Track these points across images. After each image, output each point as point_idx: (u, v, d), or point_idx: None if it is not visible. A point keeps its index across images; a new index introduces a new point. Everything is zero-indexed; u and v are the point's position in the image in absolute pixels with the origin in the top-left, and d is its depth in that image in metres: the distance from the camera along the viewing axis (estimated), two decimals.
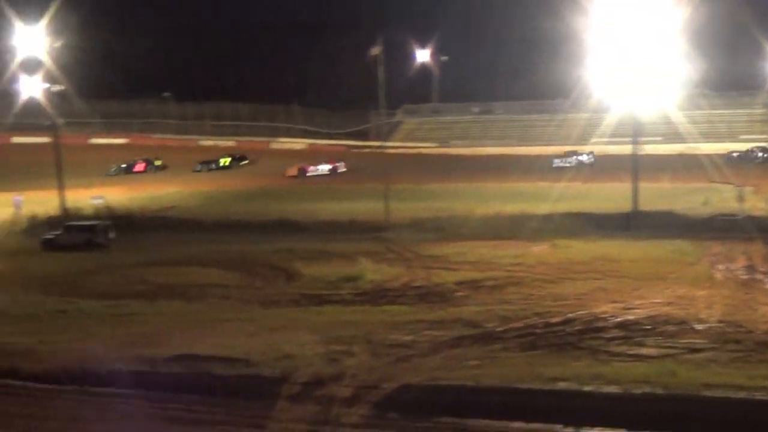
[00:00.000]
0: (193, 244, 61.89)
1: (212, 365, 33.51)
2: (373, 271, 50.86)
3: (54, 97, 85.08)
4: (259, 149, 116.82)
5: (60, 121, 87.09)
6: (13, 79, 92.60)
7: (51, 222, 69.31)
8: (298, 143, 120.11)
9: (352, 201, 74.79)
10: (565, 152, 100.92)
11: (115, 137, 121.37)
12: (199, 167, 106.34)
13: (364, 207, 69.31)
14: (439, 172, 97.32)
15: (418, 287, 47.05)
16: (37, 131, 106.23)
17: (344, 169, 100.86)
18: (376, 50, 69.17)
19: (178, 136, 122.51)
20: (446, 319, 39.10)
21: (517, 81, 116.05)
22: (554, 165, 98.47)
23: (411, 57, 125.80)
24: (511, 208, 66.47)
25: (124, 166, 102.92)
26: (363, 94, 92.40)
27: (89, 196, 77.65)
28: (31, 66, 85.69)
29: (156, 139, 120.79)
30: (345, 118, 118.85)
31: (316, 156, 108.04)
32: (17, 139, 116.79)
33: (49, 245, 63.02)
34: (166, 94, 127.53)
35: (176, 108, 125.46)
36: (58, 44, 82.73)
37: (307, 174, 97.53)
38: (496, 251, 55.11)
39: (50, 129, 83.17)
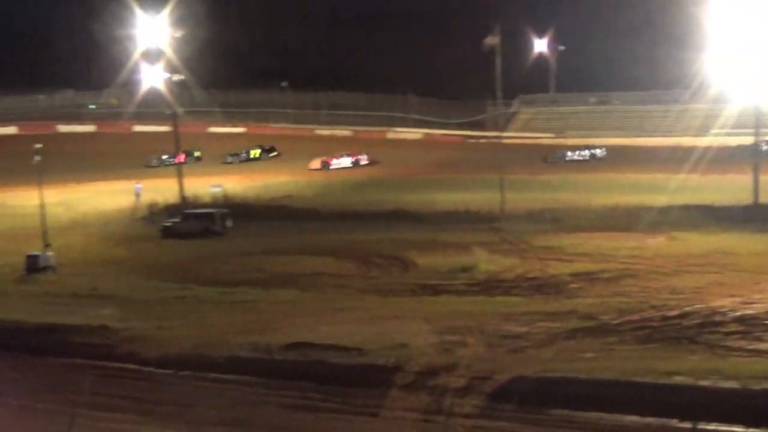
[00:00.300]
0: (308, 233, 62.22)
1: (327, 353, 33.65)
2: (487, 262, 50.58)
3: (174, 86, 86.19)
4: (375, 139, 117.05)
5: (180, 110, 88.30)
6: (135, 69, 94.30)
7: (170, 210, 70.34)
8: (414, 133, 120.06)
9: (467, 191, 74.40)
10: (578, 145, 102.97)
11: (233, 126, 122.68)
12: (230, 159, 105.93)
13: (480, 197, 68.93)
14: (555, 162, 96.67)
15: (533, 278, 46.67)
16: (157, 120, 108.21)
17: (366, 162, 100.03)
18: (493, 40, 68.66)
19: (294, 126, 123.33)
20: (561, 311, 38.71)
21: (635, 71, 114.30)
22: (567, 158, 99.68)
23: (528, 47, 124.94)
24: (628, 199, 65.47)
25: (165, 156, 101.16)
26: (479, 84, 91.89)
27: (208, 185, 78.69)
28: (152, 56, 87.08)
29: (273, 128, 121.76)
30: (461, 109, 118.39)
31: (432, 146, 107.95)
32: (138, 128, 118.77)
33: (168, 232, 63.97)
34: (283, 83, 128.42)
35: (293, 97, 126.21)
36: (178, 34, 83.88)
37: (330, 167, 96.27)
38: (612, 243, 54.37)
39: (170, 118, 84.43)
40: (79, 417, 19.22)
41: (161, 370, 35.13)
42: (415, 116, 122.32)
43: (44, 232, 56.71)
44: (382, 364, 32.10)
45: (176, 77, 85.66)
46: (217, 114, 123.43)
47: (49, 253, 54.07)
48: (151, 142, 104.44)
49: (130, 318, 41.87)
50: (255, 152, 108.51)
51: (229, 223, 64.58)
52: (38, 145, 61.22)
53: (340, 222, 65.95)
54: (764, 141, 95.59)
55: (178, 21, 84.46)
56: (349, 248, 56.95)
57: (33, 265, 52.82)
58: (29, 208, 66.45)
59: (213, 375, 34.07)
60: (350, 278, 49.60)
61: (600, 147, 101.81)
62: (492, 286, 45.45)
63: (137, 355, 36.75)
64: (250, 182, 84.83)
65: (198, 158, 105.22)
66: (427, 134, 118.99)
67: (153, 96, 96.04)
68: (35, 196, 59.90)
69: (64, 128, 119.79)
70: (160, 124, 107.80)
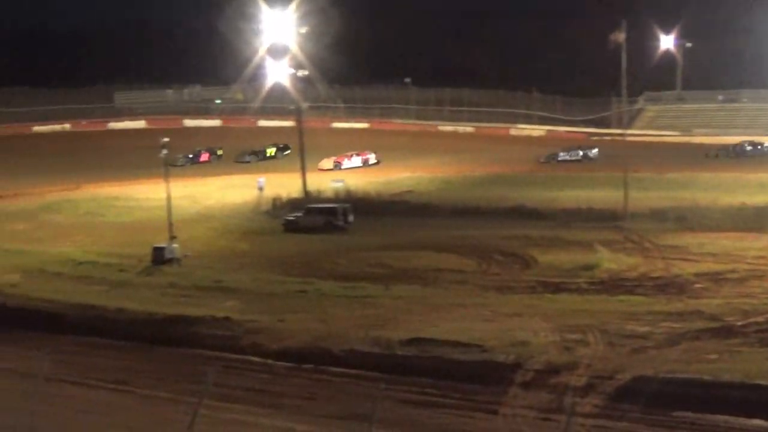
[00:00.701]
0: (429, 229, 62.16)
1: (446, 349, 33.69)
2: (610, 260, 50.01)
3: (299, 82, 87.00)
4: (498, 135, 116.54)
5: (304, 105, 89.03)
6: (261, 65, 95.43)
7: (293, 204, 70.92)
8: (537, 130, 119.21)
9: (590, 189, 73.64)
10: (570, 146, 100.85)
11: (356, 122, 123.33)
12: (248, 158, 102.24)
13: (603, 195, 68.18)
14: (681, 161, 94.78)
15: (656, 278, 46.01)
16: (281, 115, 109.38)
17: (375, 161, 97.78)
18: (619, 36, 67.69)
19: (417, 122, 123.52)
20: (684, 312, 38.14)
21: (765, 68, 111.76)
22: (559, 158, 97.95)
23: (654, 43, 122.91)
24: (757, 199, 64.10)
25: (191, 156, 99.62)
26: (604, 81, 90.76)
27: (330, 179, 79.20)
28: (278, 52, 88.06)
29: (395, 123, 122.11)
30: (585, 105, 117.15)
31: (555, 143, 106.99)
32: (263, 123, 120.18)
33: (291, 226, 64.50)
34: (406, 79, 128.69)
35: (416, 93, 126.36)
36: (303, 30, 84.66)
37: (342, 167, 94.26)
38: (739, 243, 53.25)
39: (294, 113, 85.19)
40: (202, 407, 19.49)
41: (282, 363, 35.52)
42: (539, 113, 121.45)
43: (170, 225, 57.65)
44: (502, 361, 32.05)
45: (301, 73, 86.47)
46: (341, 109, 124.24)
47: (175, 246, 54.99)
48: (276, 137, 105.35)
49: (252, 311, 42.44)
50: (271, 150, 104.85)
51: (350, 218, 64.85)
52: (165, 139, 62.38)
53: (461, 218, 65.77)
54: (748, 142, 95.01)
55: (304, 17, 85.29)
56: (470, 244, 56.77)
57: (159, 257, 53.79)
58: (156, 201, 67.71)
59: (333, 369, 34.34)
60: (470, 274, 49.48)
61: (593, 148, 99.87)
62: (614, 285, 44.95)
63: (259, 348, 37.23)
64: (372, 177, 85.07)
65: (219, 156, 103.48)
66: (551, 131, 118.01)
67: (278, 91, 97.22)
68: (162, 189, 60.92)
69: (190, 122, 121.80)
70: (284, 119, 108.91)
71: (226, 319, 40.83)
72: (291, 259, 54.99)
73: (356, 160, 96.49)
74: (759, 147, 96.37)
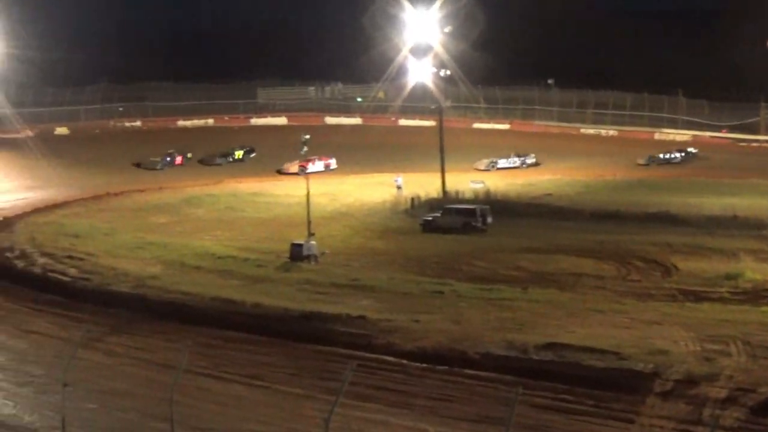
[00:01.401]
0: (568, 233, 61.64)
1: (582, 355, 33.28)
2: (754, 270, 48.73)
3: (441, 81, 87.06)
4: (642, 139, 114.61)
5: (446, 104, 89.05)
6: (403, 64, 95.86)
7: (431, 203, 71.01)
8: (682, 135, 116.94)
9: (736, 196, 72.07)
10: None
11: (497, 123, 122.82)
12: (219, 160, 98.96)
13: (749, 203, 66.66)
14: None
15: None
16: (422, 114, 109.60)
17: (335, 167, 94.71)
18: None
19: (559, 124, 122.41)
20: None
21: None
22: (498, 166, 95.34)
23: None
24: None
25: (168, 159, 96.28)
26: (753, 86, 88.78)
27: (469, 180, 79.08)
28: (420, 51, 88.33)
29: (537, 125, 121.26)
30: (733, 111, 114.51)
31: (700, 148, 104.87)
32: (403, 122, 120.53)
33: (428, 226, 64.57)
34: (549, 80, 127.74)
35: (559, 95, 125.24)
36: (447, 30, 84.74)
37: (307, 171, 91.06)
38: None
39: (435, 113, 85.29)
40: (337, 405, 19.61)
41: (416, 363, 35.50)
42: (684, 117, 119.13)
43: (309, 222, 58.21)
44: (640, 369, 31.50)
45: (443, 72, 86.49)
46: (482, 110, 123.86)
47: (312, 243, 55.45)
48: (416, 136, 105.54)
49: (388, 310, 42.49)
50: (238, 153, 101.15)
51: (489, 219, 64.65)
52: (306, 136, 63.03)
53: (601, 222, 65.07)
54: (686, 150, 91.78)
55: (448, 16, 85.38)
56: (609, 249, 56.11)
57: (296, 254, 54.24)
58: (295, 198, 68.53)
59: (468, 371, 34.21)
60: (609, 280, 48.91)
61: (530, 154, 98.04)
62: (759, 295, 43.84)
63: (394, 347, 37.25)
64: (511, 179, 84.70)
65: (189, 159, 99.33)
66: (696, 136, 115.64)
67: (419, 91, 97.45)
68: (301, 185, 61.61)
69: (331, 120, 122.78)
70: (424, 119, 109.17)
71: (362, 317, 40.96)
72: (428, 259, 55.02)
73: (319, 165, 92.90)
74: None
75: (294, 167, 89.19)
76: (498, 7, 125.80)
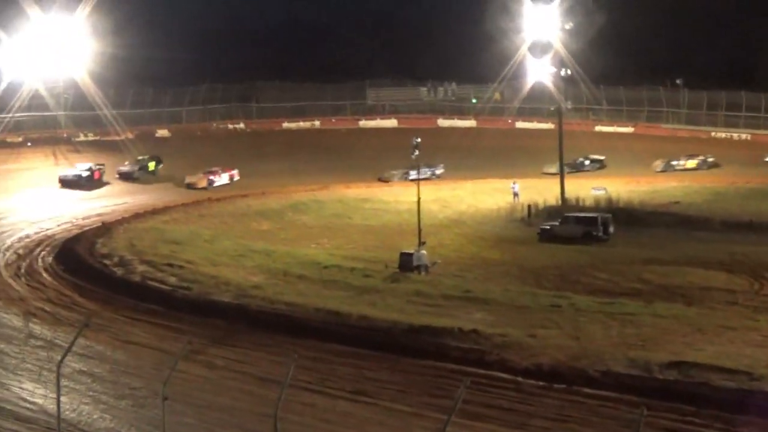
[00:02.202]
0: (696, 243, 60.89)
1: (711, 375, 32.82)
2: None
3: (561, 82, 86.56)
4: None
5: (566, 106, 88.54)
6: (521, 63, 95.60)
7: (549, 211, 70.65)
8: None
9: None
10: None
11: (620, 125, 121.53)
12: (137, 174, 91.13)
13: None
14: None
15: None
16: (540, 117, 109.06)
17: (238, 178, 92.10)
18: None
19: (687, 126, 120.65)
20: None
21: None
22: (410, 177, 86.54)
23: None
24: None
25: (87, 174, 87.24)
26: None
27: (590, 186, 78.52)
28: (539, 49, 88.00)
29: (663, 128, 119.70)
30: None
31: None
32: (520, 125, 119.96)
33: (546, 235, 64.29)
34: (678, 80, 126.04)
35: (688, 96, 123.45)
36: (568, 26, 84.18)
37: (215, 184, 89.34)
38: None
39: (554, 115, 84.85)
40: (449, 424, 19.64)
41: (532, 381, 35.32)
42: None
43: (419, 231, 58.30)
44: None
45: (563, 72, 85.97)
46: (604, 112, 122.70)
47: (423, 252, 55.49)
48: (533, 140, 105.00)
49: (502, 324, 42.33)
50: (151, 164, 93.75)
51: (611, 228, 64.12)
52: (417, 139, 63.24)
53: (732, 232, 64.13)
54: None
55: (569, 12, 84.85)
56: (741, 261, 55.28)
57: (406, 264, 54.30)
58: (405, 204, 68.82)
59: (587, 390, 33.95)
60: (741, 294, 48.15)
61: (439, 165, 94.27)
62: None
63: (507, 364, 37.08)
64: (635, 186, 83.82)
65: (152, 172, 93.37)
66: None
67: (538, 91, 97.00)
68: (411, 191, 61.78)
69: (444, 122, 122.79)
70: (543, 121, 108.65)
71: (474, 331, 40.85)
72: (545, 271, 54.75)
73: (224, 177, 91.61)
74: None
75: (203, 181, 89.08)
76: (624, 1, 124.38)
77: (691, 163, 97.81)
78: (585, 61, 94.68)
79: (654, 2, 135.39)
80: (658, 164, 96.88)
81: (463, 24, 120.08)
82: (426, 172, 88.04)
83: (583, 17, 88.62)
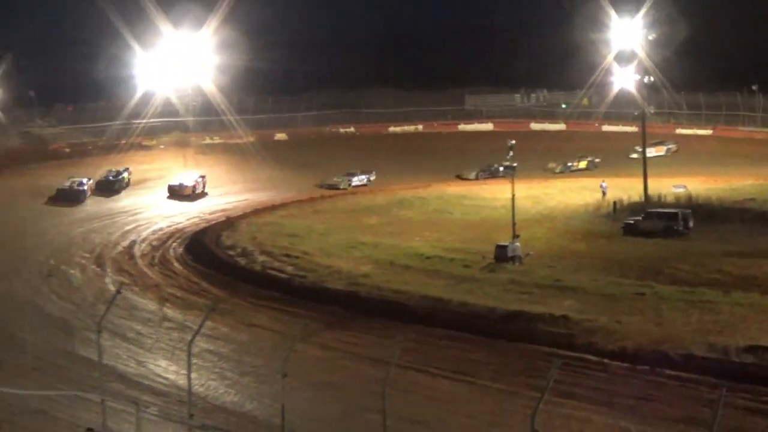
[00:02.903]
0: None
1: None
2: None
3: (644, 88, 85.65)
4: None
5: (649, 111, 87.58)
6: (608, 71, 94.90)
7: (632, 207, 69.88)
8: None
9: None
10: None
11: (699, 128, 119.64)
12: (116, 187, 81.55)
13: None
14: None
15: None
16: (625, 121, 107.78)
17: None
18: None
19: (763, 129, 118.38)
20: None
21: None
22: (341, 186, 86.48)
23: None
24: None
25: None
26: None
27: (671, 184, 77.48)
28: (624, 58, 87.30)
29: (740, 131, 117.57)
30: None
31: None
32: (606, 128, 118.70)
33: (629, 230, 63.56)
34: (753, 87, 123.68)
35: (762, 101, 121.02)
36: (651, 37, 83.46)
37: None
38: None
39: (638, 119, 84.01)
40: (542, 402, 19.63)
41: (617, 363, 35.15)
42: None
43: (513, 225, 58.17)
44: None
45: (647, 79, 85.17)
46: (684, 116, 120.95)
47: (517, 244, 55.34)
48: (618, 142, 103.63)
49: (589, 311, 42.13)
50: (127, 176, 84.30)
51: (691, 223, 63.23)
52: (512, 141, 63.14)
53: None
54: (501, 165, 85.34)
55: (652, 23, 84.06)
56: None
57: (501, 255, 54.21)
58: (500, 201, 68.54)
59: (669, 371, 33.66)
60: None
61: (372, 172, 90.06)
62: None
63: (595, 347, 36.98)
64: (713, 184, 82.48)
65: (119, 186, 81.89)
66: None
67: (623, 97, 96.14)
68: (506, 189, 61.55)
69: (536, 126, 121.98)
70: (627, 125, 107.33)
71: (564, 317, 40.76)
72: (629, 262, 54.16)
73: (363, 178, 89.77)
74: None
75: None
76: (707, 12, 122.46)
77: (582, 164, 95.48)
78: (667, 68, 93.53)
79: (731, 12, 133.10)
80: (555, 166, 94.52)
81: (554, 35, 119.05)
82: (362, 179, 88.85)
83: (667, 27, 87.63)
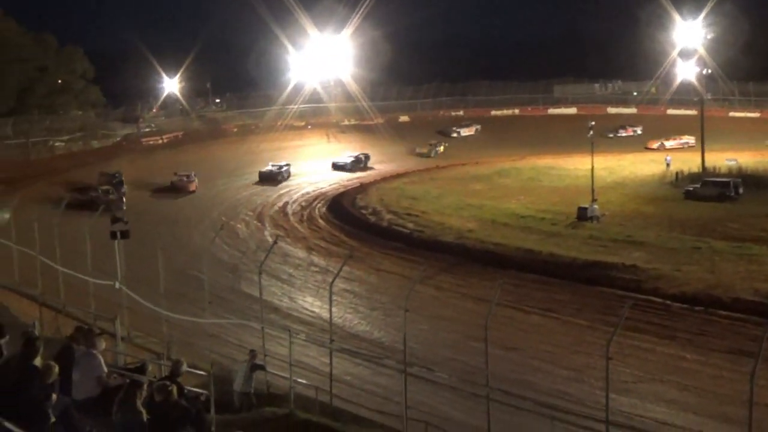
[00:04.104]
0: None
1: None
2: None
3: (704, 78, 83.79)
4: None
5: (707, 97, 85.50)
6: (673, 64, 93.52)
7: (692, 177, 68.38)
8: None
9: None
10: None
11: (749, 112, 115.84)
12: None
13: None
14: None
15: None
16: (687, 106, 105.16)
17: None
18: None
19: None
20: None
21: None
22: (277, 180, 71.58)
23: None
24: None
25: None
26: None
27: (725, 158, 75.50)
28: (687, 53, 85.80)
29: None
30: None
31: None
32: (671, 111, 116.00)
33: (690, 195, 62.22)
34: None
35: None
36: (710, 36, 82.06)
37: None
38: None
39: (698, 104, 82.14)
40: (615, 334, 19.46)
41: (678, 304, 34.68)
42: None
43: (592, 190, 57.47)
44: None
45: (705, 71, 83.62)
46: (736, 101, 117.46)
47: (595, 206, 54.72)
48: (681, 123, 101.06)
49: (655, 261, 41.60)
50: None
51: (741, 190, 61.57)
52: (592, 123, 62.25)
53: None
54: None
55: (712, 24, 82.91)
56: None
57: (582, 215, 53.71)
58: (581, 171, 67.63)
59: (721, 312, 33.14)
60: None
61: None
62: None
63: (659, 290, 36.53)
64: (760, 158, 79.92)
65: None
66: None
67: (685, 85, 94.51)
68: (587, 161, 60.78)
69: (612, 110, 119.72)
70: (689, 109, 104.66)
71: (634, 266, 40.33)
72: (688, 222, 53.07)
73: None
74: None
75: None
76: (755, 14, 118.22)
77: (441, 148, 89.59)
78: (723, 62, 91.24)
79: None
80: (424, 149, 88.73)
81: (628, 35, 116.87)
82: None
83: (724, 28, 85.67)
